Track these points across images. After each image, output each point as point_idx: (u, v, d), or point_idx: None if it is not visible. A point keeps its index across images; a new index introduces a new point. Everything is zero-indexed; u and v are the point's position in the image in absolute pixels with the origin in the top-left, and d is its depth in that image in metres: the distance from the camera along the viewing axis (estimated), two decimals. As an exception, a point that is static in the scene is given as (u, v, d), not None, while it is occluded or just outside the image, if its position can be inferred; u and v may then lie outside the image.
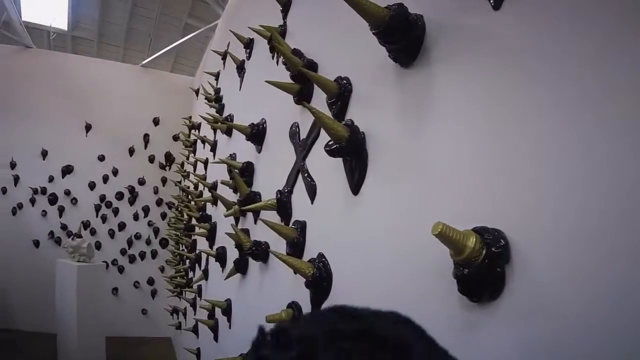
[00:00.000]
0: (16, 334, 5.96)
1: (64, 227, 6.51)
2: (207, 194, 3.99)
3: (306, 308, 1.61)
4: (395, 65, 1.21)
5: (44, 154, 6.52)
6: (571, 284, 0.67)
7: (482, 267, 0.78)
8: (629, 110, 0.62)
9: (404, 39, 1.11)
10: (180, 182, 6.23)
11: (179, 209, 5.88)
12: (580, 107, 0.69)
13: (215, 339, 3.25)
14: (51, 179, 6.53)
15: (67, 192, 6.59)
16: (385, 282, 1.17)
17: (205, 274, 3.78)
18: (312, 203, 1.64)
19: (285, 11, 2.31)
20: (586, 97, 0.68)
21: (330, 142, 1.33)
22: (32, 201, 6.44)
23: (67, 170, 6.61)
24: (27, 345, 5.61)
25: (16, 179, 6.40)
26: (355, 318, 0.28)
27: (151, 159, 7.03)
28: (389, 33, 1.10)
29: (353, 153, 1.32)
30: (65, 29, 7.72)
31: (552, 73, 0.75)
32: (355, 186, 1.35)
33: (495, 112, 0.86)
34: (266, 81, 1.76)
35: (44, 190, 6.49)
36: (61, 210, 6.56)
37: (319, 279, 1.47)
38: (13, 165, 6.40)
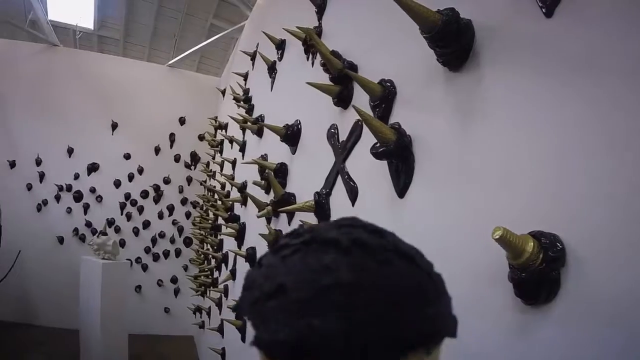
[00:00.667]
0: (39, 330, 6.04)
1: (88, 224, 6.60)
2: (234, 194, 4.01)
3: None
4: (444, 69, 1.20)
5: (70, 151, 6.62)
6: (627, 288, 0.67)
7: (539, 271, 0.79)
8: None
9: (455, 44, 1.11)
10: (205, 182, 6.28)
11: (204, 209, 5.92)
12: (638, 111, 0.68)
13: (243, 339, 3.25)
14: (77, 177, 6.63)
15: (93, 190, 6.68)
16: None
17: (233, 274, 3.79)
18: (353, 205, 1.63)
19: (320, 12, 2.30)
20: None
21: (377, 145, 1.32)
22: (57, 198, 6.53)
23: (92, 168, 6.71)
24: (49, 341, 5.67)
25: (42, 176, 6.50)
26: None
27: (177, 158, 7.10)
28: (441, 37, 1.11)
29: (400, 156, 1.31)
30: (92, 28, 7.87)
31: (608, 78, 0.73)
32: (402, 189, 1.34)
33: (549, 117, 0.86)
34: (307, 83, 1.75)
35: (69, 188, 6.58)
36: (86, 207, 6.66)
37: None
38: (39, 163, 6.50)
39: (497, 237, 0.79)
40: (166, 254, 6.95)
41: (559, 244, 0.79)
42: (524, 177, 0.90)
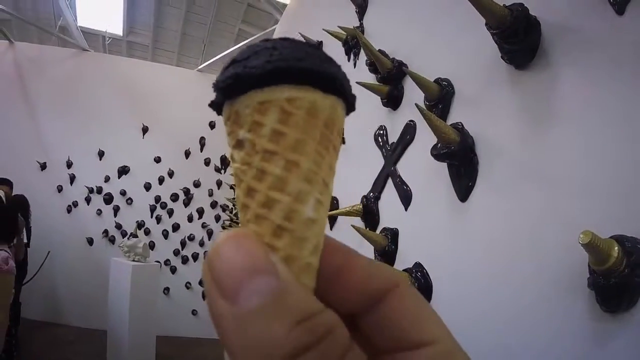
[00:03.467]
0: (67, 329, 6.12)
1: (118, 226, 6.68)
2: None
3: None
4: (509, 67, 1.16)
5: (101, 154, 6.72)
6: None
7: (623, 277, 0.77)
8: None
9: (524, 41, 1.07)
10: (235, 185, 6.29)
11: (234, 212, 5.93)
12: None
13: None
14: (107, 179, 6.72)
15: (123, 193, 6.77)
16: (497, 291, 1.11)
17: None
18: (406, 210, 1.57)
19: (361, 12, 2.26)
20: None
21: (439, 146, 1.26)
22: (88, 200, 6.63)
23: (123, 170, 6.80)
24: (77, 341, 5.74)
25: (72, 178, 6.61)
26: None
27: (207, 162, 7.14)
28: (511, 33, 1.07)
29: (463, 158, 1.25)
30: (121, 34, 8.00)
31: None
32: (465, 193, 1.28)
33: (625, 118, 0.83)
34: (357, 82, 1.71)
35: (99, 190, 6.68)
36: (116, 209, 6.75)
37: (418, 289, 1.40)
38: (70, 165, 6.62)
39: (586, 242, 0.76)
40: (195, 256, 6.99)
41: None
42: (598, 181, 0.87)
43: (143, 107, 6.88)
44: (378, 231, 1.70)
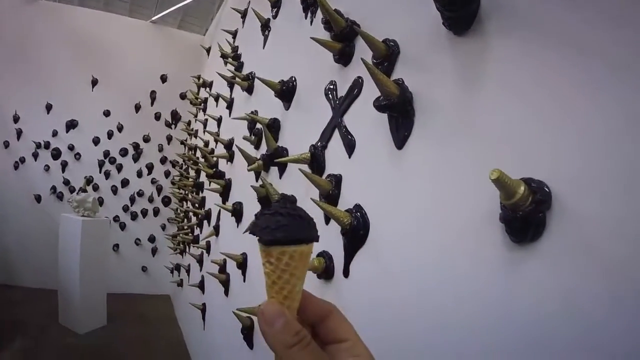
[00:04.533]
0: (18, 290, 6.02)
1: (66, 182, 6.52)
2: (219, 152, 4.04)
3: (338, 256, 1.69)
4: (448, 32, 1.25)
5: (49, 107, 6.46)
6: (604, 230, 0.78)
7: (528, 212, 0.89)
8: None
9: (463, 8, 1.16)
10: (186, 141, 6.25)
11: (184, 167, 5.91)
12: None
13: (226, 293, 3.34)
14: (55, 134, 6.50)
15: (71, 147, 6.58)
16: (425, 229, 1.26)
17: (216, 230, 3.86)
18: (349, 157, 1.70)
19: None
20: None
21: (381, 98, 1.38)
22: (35, 156, 6.41)
23: (71, 124, 6.57)
24: (28, 301, 5.67)
25: (19, 133, 6.35)
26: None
27: (157, 117, 7.01)
28: (451, 1, 1.16)
29: (401, 110, 1.38)
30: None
31: (610, 48, 0.81)
32: (401, 142, 1.41)
33: (545, 84, 0.93)
34: (312, 38, 1.79)
35: (47, 145, 6.46)
36: (64, 165, 6.56)
37: (356, 228, 1.55)
38: (16, 119, 6.34)
39: (494, 177, 0.87)
40: (144, 212, 6.95)
41: (546, 189, 0.89)
42: (517, 136, 0.99)
43: (93, 59, 6.61)
44: (324, 177, 1.82)
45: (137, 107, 6.91)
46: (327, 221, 1.80)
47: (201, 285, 4.35)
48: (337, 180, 1.75)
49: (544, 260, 0.89)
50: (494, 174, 0.87)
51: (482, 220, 1.05)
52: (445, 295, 1.14)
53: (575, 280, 0.81)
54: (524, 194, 0.88)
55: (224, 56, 4.05)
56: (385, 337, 1.34)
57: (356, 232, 1.56)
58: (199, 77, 6.15)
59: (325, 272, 1.75)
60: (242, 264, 2.91)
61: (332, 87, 1.91)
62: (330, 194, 1.74)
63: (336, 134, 1.83)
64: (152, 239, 6.98)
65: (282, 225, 0.47)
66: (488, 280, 1.01)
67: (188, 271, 5.35)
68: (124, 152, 6.83)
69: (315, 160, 1.91)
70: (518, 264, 0.95)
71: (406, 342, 1.27)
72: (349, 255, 1.63)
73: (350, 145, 1.71)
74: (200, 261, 4.55)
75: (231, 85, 3.87)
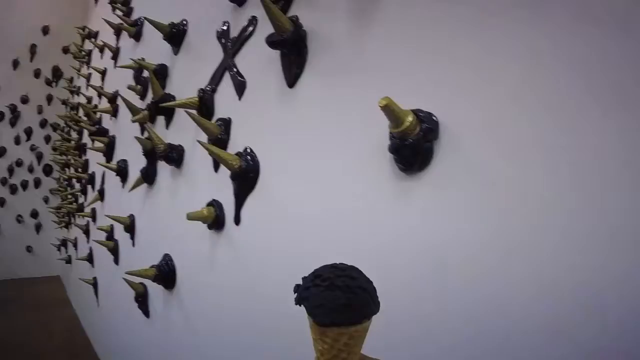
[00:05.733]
0: None
1: None
2: (103, 107, 3.72)
3: (228, 204, 1.60)
4: None
5: None
6: (489, 161, 0.80)
7: (416, 140, 0.89)
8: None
9: None
10: (68, 100, 5.66)
11: (66, 130, 5.38)
12: None
13: (116, 261, 3.12)
14: None
15: None
16: (317, 162, 1.23)
17: (101, 195, 3.58)
18: (239, 99, 1.61)
19: None
20: None
21: (274, 34, 1.30)
22: None
23: None
24: None
25: None
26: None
27: (37, 74, 6.24)
28: None
29: (294, 47, 1.32)
30: None
31: None
32: (292, 80, 1.36)
33: (438, 21, 0.93)
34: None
35: None
36: None
37: (246, 171, 1.47)
38: None
39: (383, 104, 0.86)
40: (24, 184, 6.25)
41: (434, 118, 0.90)
42: (409, 70, 0.98)
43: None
44: (213, 121, 1.71)
45: (15, 63, 6.10)
46: (216, 168, 1.71)
47: (90, 258, 4.05)
48: (226, 123, 1.66)
49: (433, 189, 0.90)
50: (383, 101, 0.86)
51: (373, 153, 1.04)
52: (339, 229, 1.13)
53: (463, 206, 0.83)
54: (412, 123, 0.88)
55: (112, 1, 3.67)
56: (283, 281, 1.28)
57: (246, 175, 1.49)
58: (84, 28, 5.55)
59: (216, 223, 1.67)
60: (130, 227, 2.72)
61: (225, 28, 1.78)
62: (220, 138, 1.65)
63: (227, 77, 1.72)
64: (34, 214, 6.31)
65: (341, 304, 0.40)
66: (380, 210, 1.01)
67: (75, 245, 4.94)
68: (0, 116, 6.03)
69: (204, 104, 1.79)
70: (408, 192, 0.95)
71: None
72: (240, 201, 1.56)
73: (240, 87, 1.62)
74: (87, 232, 4.23)
75: (118, 33, 3.55)
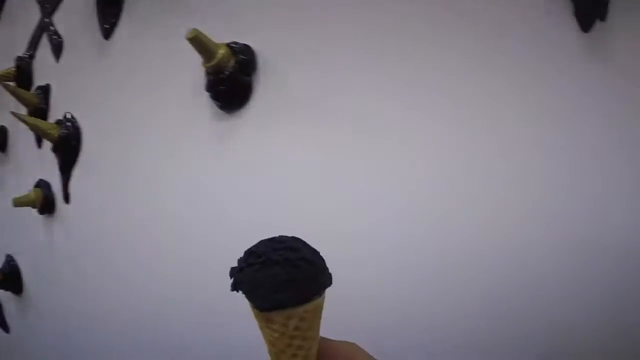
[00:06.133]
0: None
1: None
2: None
3: (56, 180, 1.45)
4: None
5: None
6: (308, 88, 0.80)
7: (233, 74, 0.85)
8: None
9: None
10: None
11: None
12: None
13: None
14: None
15: None
16: (141, 110, 1.15)
17: None
18: (57, 62, 1.46)
19: None
20: None
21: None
22: None
23: None
24: None
25: None
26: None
27: None
28: None
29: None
30: None
31: None
32: (108, 32, 1.24)
33: None
34: None
35: None
36: None
37: (66, 139, 1.33)
38: None
39: (190, 37, 0.81)
40: None
41: (251, 49, 0.86)
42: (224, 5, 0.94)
43: None
44: (33, 90, 1.53)
45: None
46: (39, 143, 1.52)
47: None
48: (45, 90, 1.49)
49: (253, 125, 0.87)
50: (191, 34, 0.81)
51: (192, 94, 0.97)
52: (170, 181, 1.05)
53: (293, 139, 0.81)
54: (225, 55, 0.84)
55: None
56: (132, 257, 1.18)
57: (67, 144, 1.34)
58: None
59: (47, 206, 1.48)
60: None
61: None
62: (40, 107, 1.47)
63: (45, 40, 1.54)
64: None
65: (282, 282, 0.32)
66: (203, 153, 0.97)
67: None
68: None
69: (23, 73, 1.59)
70: (229, 132, 0.91)
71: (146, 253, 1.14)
72: (66, 175, 1.40)
73: (57, 48, 1.47)
74: None
75: None
